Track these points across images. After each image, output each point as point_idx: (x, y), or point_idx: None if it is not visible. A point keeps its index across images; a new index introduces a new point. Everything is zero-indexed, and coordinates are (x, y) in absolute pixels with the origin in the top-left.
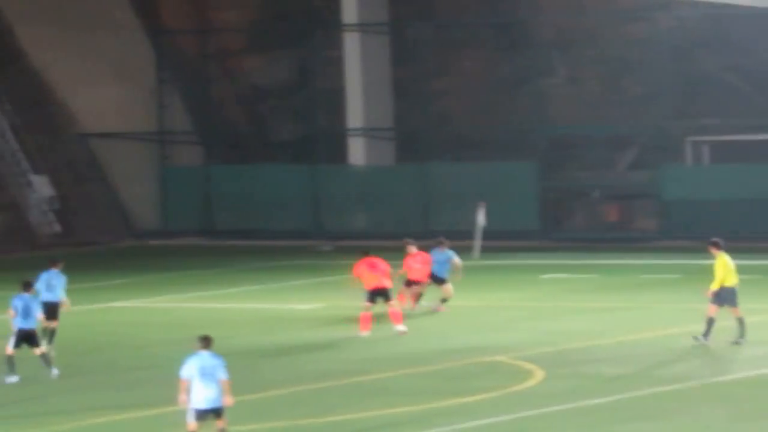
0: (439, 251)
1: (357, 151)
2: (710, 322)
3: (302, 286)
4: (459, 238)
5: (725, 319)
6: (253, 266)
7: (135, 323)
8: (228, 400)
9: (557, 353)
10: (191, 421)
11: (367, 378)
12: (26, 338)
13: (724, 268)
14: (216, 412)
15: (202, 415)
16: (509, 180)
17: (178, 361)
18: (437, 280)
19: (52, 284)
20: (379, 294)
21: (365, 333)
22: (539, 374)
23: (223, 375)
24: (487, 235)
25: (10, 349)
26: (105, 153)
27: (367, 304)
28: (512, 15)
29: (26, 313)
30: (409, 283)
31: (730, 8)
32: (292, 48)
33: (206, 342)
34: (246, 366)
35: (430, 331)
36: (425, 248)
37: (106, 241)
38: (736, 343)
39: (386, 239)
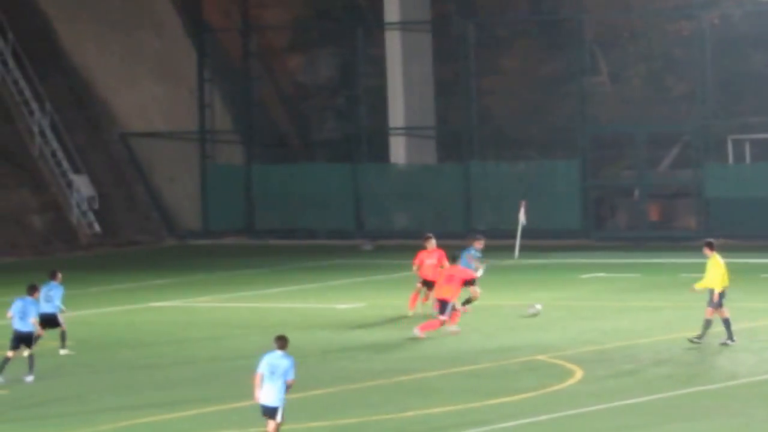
0: (474, 248)
1: (399, 150)
2: (708, 324)
3: (343, 286)
4: (501, 237)
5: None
6: (295, 266)
7: (176, 323)
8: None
9: (598, 353)
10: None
11: (408, 378)
12: (23, 340)
13: (719, 269)
14: (271, 411)
15: (264, 412)
16: (551, 179)
17: (221, 361)
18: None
19: (50, 296)
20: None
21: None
22: (579, 374)
23: (290, 375)
24: (529, 234)
25: (9, 352)
26: (146, 152)
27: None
28: (555, 13)
29: (23, 316)
30: (425, 283)
31: None
32: (334, 46)
33: (281, 342)
34: None
35: (470, 330)
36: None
37: (148, 241)
38: (725, 344)
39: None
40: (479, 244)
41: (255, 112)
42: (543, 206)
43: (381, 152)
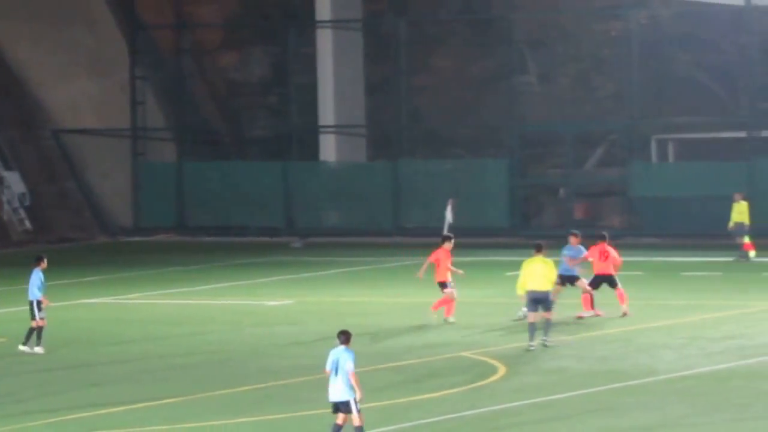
0: (572, 247)
1: (329, 148)
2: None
3: (273, 283)
4: (429, 235)
5: (688, 316)
6: (226, 263)
7: (108, 320)
8: (358, 394)
9: (521, 349)
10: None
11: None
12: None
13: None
14: (343, 405)
15: (335, 408)
16: (480, 177)
17: (152, 357)
18: (568, 279)
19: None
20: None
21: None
22: (502, 370)
23: (350, 367)
24: (459, 231)
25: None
26: (78, 149)
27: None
28: (486, 12)
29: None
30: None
31: (701, 6)
32: (266, 45)
33: (345, 337)
34: (217, 361)
35: (398, 327)
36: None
37: (79, 237)
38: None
39: (357, 236)
40: (575, 240)
41: (187, 109)
42: (472, 204)
43: (312, 150)
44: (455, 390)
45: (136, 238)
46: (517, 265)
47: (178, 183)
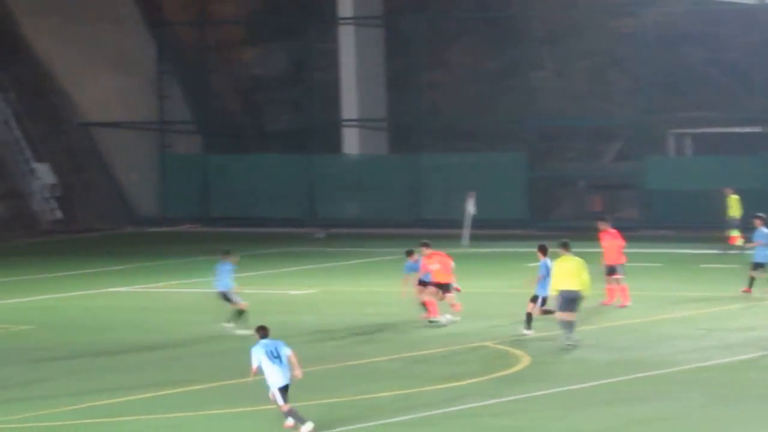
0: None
1: (351, 142)
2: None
3: (296, 272)
4: (449, 226)
5: (707, 307)
6: (249, 253)
7: (135, 308)
8: (299, 372)
9: (543, 339)
10: (280, 402)
11: (358, 362)
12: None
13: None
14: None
15: (284, 391)
16: (498, 170)
17: (177, 344)
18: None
19: (222, 273)
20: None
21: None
22: (525, 359)
23: (289, 351)
24: (477, 223)
25: None
26: (106, 142)
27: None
28: (503, 9)
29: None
30: (445, 288)
31: (714, 3)
32: (288, 40)
33: (264, 331)
34: (241, 349)
35: (422, 319)
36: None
37: (107, 228)
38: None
39: (378, 227)
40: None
41: (211, 103)
42: (490, 196)
43: (334, 143)
44: (478, 379)
45: (162, 229)
46: (536, 257)
47: (202, 175)
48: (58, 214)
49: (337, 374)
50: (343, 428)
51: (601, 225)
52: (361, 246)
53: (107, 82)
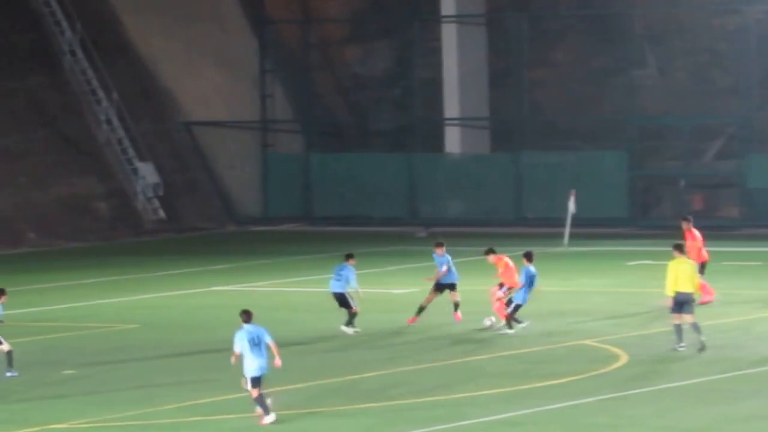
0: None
1: (452, 140)
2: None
3: (398, 271)
4: (550, 225)
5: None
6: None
7: (236, 307)
8: (279, 361)
9: (642, 338)
10: (250, 388)
11: (457, 361)
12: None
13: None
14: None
15: (257, 381)
16: (599, 169)
17: (281, 344)
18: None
19: (341, 275)
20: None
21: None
22: (624, 358)
23: (270, 339)
24: (577, 222)
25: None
26: (208, 141)
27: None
28: (606, 7)
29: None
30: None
31: None
32: (391, 39)
33: (247, 315)
34: (336, 348)
35: (520, 316)
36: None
37: (209, 227)
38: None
39: (479, 226)
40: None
41: (314, 102)
42: (591, 195)
43: (436, 142)
44: (576, 377)
45: (264, 228)
46: (637, 255)
47: (304, 174)
48: (161, 214)
49: (437, 373)
50: (446, 426)
51: (684, 225)
52: (462, 245)
53: (210, 80)
